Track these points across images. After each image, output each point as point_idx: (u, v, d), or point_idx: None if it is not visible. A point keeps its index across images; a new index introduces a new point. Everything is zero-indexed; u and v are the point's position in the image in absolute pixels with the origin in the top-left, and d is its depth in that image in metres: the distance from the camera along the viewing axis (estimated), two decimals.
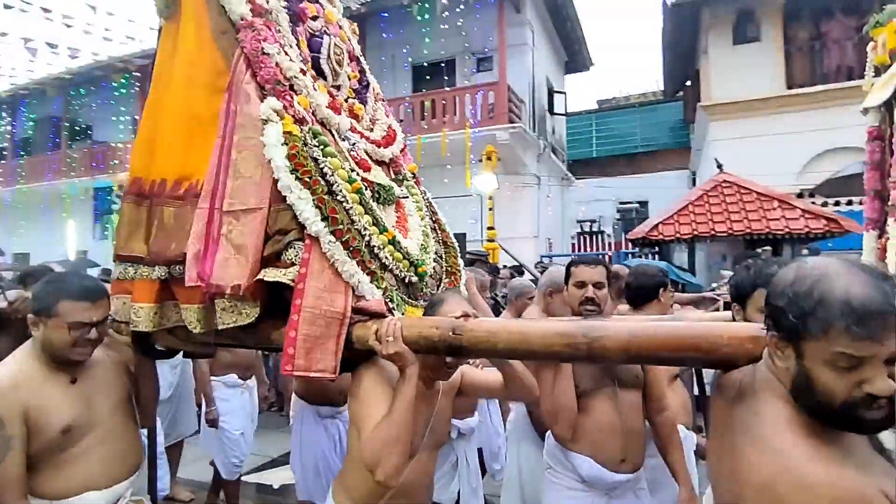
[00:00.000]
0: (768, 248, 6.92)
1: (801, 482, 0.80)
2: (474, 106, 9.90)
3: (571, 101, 14.88)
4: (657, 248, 7.26)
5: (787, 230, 6.04)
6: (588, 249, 11.72)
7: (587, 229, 13.13)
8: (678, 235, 6.45)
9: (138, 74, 12.83)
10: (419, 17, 9.88)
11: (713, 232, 6.31)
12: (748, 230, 6.18)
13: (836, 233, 5.89)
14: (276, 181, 1.54)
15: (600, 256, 10.91)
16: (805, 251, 6.25)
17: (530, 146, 10.85)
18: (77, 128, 15.33)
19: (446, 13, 9.93)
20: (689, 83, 12.49)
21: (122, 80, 13.17)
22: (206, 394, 3.18)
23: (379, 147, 2.06)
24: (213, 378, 3.21)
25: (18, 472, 1.44)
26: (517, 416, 2.74)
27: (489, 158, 9.14)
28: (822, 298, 0.82)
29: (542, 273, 4.97)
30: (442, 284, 1.98)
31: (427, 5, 9.82)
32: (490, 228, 9.09)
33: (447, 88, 10.50)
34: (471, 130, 9.46)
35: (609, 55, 42.60)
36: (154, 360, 1.91)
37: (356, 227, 1.59)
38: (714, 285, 5.73)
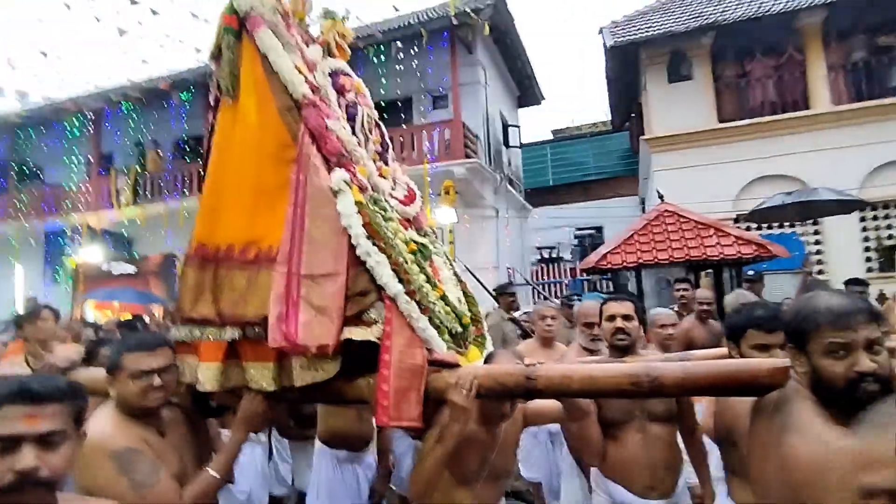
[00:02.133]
0: (710, 270, 7.45)
1: (827, 452, 1.14)
2: (431, 142, 10.26)
3: (526, 132, 15.54)
4: (609, 275, 7.64)
5: (721, 256, 6.50)
6: (547, 276, 12.12)
7: (546, 256, 13.57)
8: (625, 264, 6.83)
9: (91, 116, 12.71)
10: (375, 59, 10.25)
11: (656, 259, 6.72)
12: (687, 257, 6.61)
13: (765, 257, 6.39)
14: (351, 247, 1.69)
15: (558, 283, 11.29)
16: (751, 272, 6.74)
17: (487, 179, 11.26)
18: (26, 169, 14.89)
19: (401, 55, 10.35)
20: (633, 115, 13.27)
21: (75, 122, 13.01)
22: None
23: (405, 206, 2.19)
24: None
25: (174, 486, 1.54)
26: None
27: (447, 193, 9.47)
28: (813, 308, 1.23)
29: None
30: (469, 332, 2.08)
31: (382, 48, 10.22)
32: None
33: (404, 126, 10.84)
34: (428, 166, 9.78)
35: (559, 89, 44.58)
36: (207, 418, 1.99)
37: (418, 285, 1.73)
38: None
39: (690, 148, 9.71)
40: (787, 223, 9.02)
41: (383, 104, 11.38)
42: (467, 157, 10.18)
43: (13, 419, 0.97)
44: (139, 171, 12.12)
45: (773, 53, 9.60)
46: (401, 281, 1.68)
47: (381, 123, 2.42)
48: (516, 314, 5.79)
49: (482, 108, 11.62)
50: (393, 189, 2.23)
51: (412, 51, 10.44)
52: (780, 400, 1.30)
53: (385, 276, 1.66)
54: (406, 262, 1.74)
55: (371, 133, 2.24)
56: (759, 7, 9.22)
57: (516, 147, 14.24)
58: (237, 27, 2.00)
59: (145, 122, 13.07)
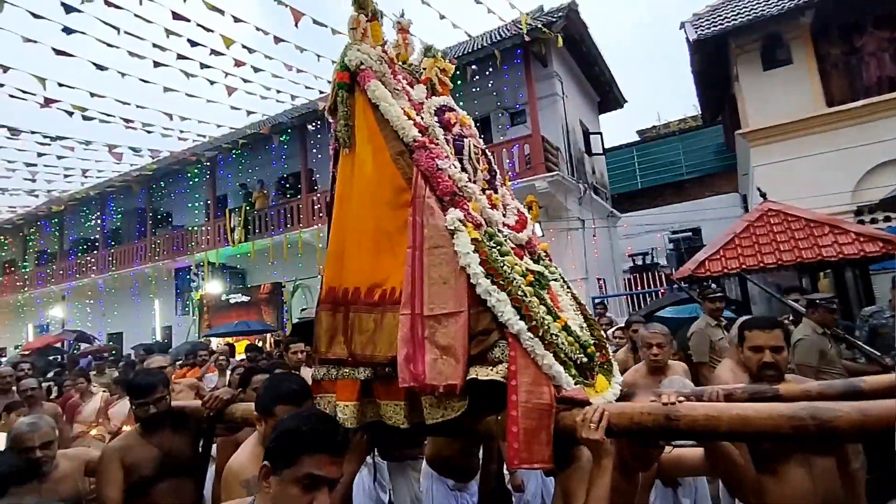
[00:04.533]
0: (828, 270, 6.73)
1: None
2: (511, 159, 10.34)
3: (611, 137, 15.11)
4: (707, 284, 7.18)
5: (840, 255, 5.88)
6: (642, 286, 11.58)
7: (639, 263, 12.99)
8: (726, 270, 6.40)
9: (207, 164, 14.33)
10: (451, 83, 10.58)
11: (762, 264, 6.23)
12: (799, 259, 6.07)
13: (892, 255, 5.68)
14: (471, 285, 1.70)
15: (654, 292, 10.73)
16: None
17: (570, 190, 11.10)
18: (159, 216, 17.08)
19: (476, 76, 10.59)
20: (726, 108, 12.42)
21: (195, 171, 14.74)
22: None
23: (517, 232, 2.18)
24: None
25: None
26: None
27: (530, 208, 9.42)
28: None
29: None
30: (595, 360, 1.97)
31: (458, 72, 10.54)
32: None
33: (484, 145, 11.01)
34: (510, 182, 9.85)
35: (643, 88, 42.62)
36: None
37: (540, 319, 1.69)
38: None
39: (794, 138, 8.90)
40: None
41: None
42: (548, 170, 10.13)
43: (323, 464, 1.20)
44: (248, 209, 13.43)
45: (887, 25, 8.58)
46: (522, 317, 1.64)
47: (486, 151, 2.46)
48: (609, 331, 5.62)
49: (561, 120, 11.52)
50: (504, 216, 2.23)
51: (487, 71, 10.65)
52: None
53: (507, 313, 1.64)
54: (526, 297, 1.71)
55: (479, 163, 2.27)
56: None
57: (599, 154, 13.89)
58: (349, 81, 2.12)
59: (251, 164, 14.52)
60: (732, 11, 9.66)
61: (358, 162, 2.04)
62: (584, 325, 2.06)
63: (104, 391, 5.31)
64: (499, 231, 2.03)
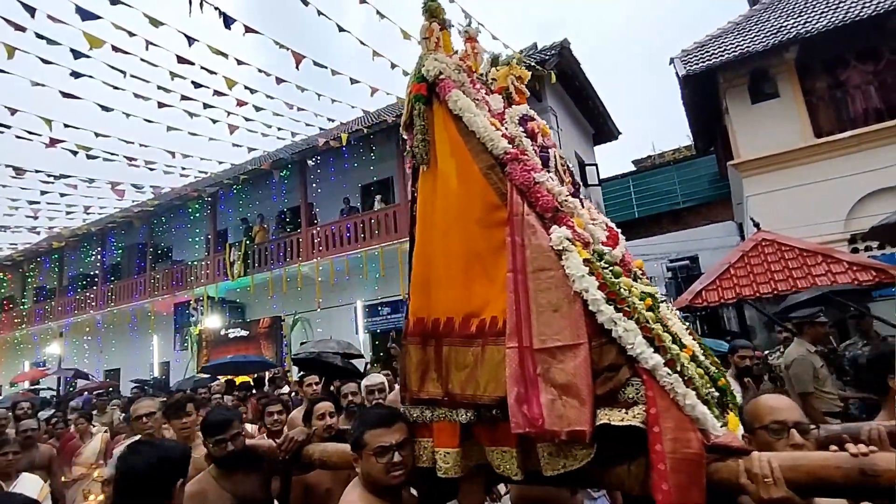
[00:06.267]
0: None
1: None
2: None
3: (606, 168, 15.35)
4: (703, 312, 7.22)
5: (833, 284, 5.95)
6: None
7: None
8: (722, 300, 6.46)
9: (209, 199, 14.50)
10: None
11: (758, 293, 6.29)
12: (794, 288, 6.12)
13: (887, 283, 5.74)
14: (588, 312, 1.46)
15: None
16: (852, 309, 6.00)
17: None
18: (159, 251, 17.15)
19: None
20: (717, 138, 12.68)
21: (196, 206, 14.90)
22: None
23: (612, 249, 1.90)
24: None
25: None
26: None
27: None
28: None
29: None
30: (728, 396, 1.73)
31: None
32: None
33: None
34: None
35: (637, 119, 43.48)
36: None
37: (675, 352, 1.44)
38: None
39: (785, 168, 9.08)
40: None
41: None
42: None
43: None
44: (248, 243, 13.52)
45: (870, 58, 8.87)
46: (656, 350, 1.39)
47: (569, 163, 2.27)
48: None
49: None
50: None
51: None
52: None
53: (638, 345, 1.39)
54: (651, 324, 1.45)
55: (564, 175, 2.09)
56: (846, 14, 8.64)
57: (595, 185, 14.09)
58: (427, 93, 1.97)
59: (251, 199, 14.69)
60: (719, 47, 9.98)
61: (441, 179, 1.87)
62: (703, 352, 1.78)
63: (105, 431, 5.24)
64: (608, 252, 1.76)
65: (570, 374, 1.43)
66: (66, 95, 7.13)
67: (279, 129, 9.56)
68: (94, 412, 6.65)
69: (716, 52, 9.93)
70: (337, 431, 2.33)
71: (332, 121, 10.77)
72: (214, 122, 8.62)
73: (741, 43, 9.69)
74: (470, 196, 1.77)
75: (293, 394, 6.90)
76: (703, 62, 9.80)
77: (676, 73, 10.34)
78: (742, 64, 9.47)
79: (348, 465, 1.77)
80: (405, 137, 2.08)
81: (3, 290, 20.80)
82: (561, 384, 1.43)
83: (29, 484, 3.23)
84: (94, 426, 5.43)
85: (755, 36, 9.64)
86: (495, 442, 1.56)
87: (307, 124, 9.91)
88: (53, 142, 8.00)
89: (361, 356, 8.95)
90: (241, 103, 8.23)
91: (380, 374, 4.16)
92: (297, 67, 7.21)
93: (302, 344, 11.22)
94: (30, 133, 7.67)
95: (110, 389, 11.96)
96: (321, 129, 10.67)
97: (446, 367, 1.70)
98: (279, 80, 7.91)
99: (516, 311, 1.55)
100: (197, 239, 15.98)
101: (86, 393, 11.77)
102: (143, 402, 3.27)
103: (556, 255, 1.55)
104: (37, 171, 9.59)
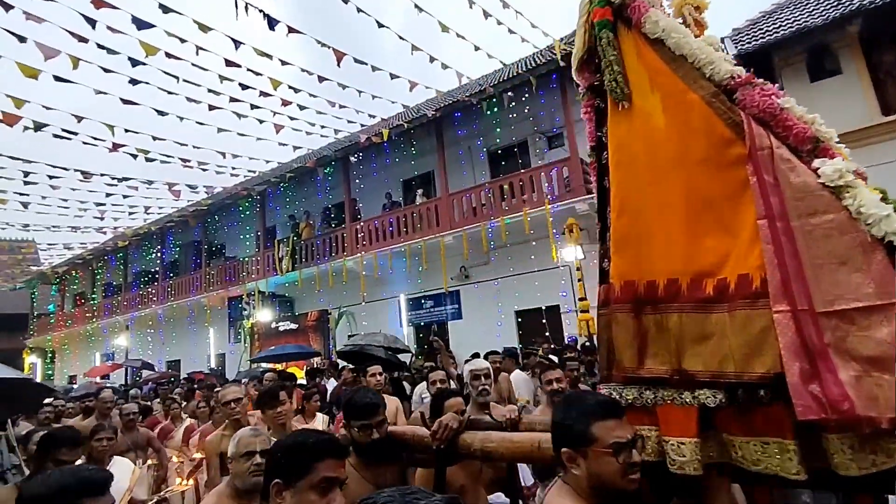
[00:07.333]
0: None
1: None
2: (550, 182, 10.34)
3: None
4: None
5: None
6: None
7: None
8: None
9: (258, 197, 15.06)
10: (488, 111, 10.78)
11: None
12: None
13: None
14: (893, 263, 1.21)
15: None
16: None
17: None
18: (213, 248, 17.99)
19: (513, 103, 10.75)
20: None
21: (246, 204, 15.52)
22: None
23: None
24: None
25: None
26: None
27: (571, 231, 9.41)
28: None
29: None
30: None
31: (494, 100, 10.73)
32: (582, 299, 9.17)
33: (522, 170, 11.09)
34: (550, 206, 9.85)
35: None
36: None
37: None
38: None
39: (851, 149, 8.46)
40: None
41: (500, 151, 11.87)
42: (588, 192, 10.05)
43: (333, 467, 1.32)
44: (295, 239, 13.95)
45: None
46: None
47: None
48: None
49: None
50: None
51: (523, 97, 10.78)
52: None
53: None
54: None
55: None
56: None
57: None
58: (613, 19, 1.71)
59: (298, 196, 15.14)
60: (775, 24, 9.44)
61: (641, 118, 1.61)
62: None
63: (190, 419, 5.57)
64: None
65: (884, 344, 1.16)
66: (125, 102, 7.57)
67: (322, 126, 9.81)
68: (157, 400, 7.08)
69: (771, 28, 9.39)
70: (469, 422, 2.02)
71: (374, 117, 10.96)
72: (261, 122, 8.93)
73: (798, 18, 9.12)
74: (689, 132, 1.50)
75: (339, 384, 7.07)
76: (757, 41, 9.30)
77: (727, 54, 9.86)
78: (800, 40, 8.92)
79: (514, 458, 1.56)
80: (578, 81, 1.84)
81: (76, 287, 22.41)
82: (867, 357, 1.17)
83: (122, 467, 3.22)
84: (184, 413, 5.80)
85: (814, 9, 9.06)
86: (753, 431, 1.29)
87: (349, 121, 10.14)
88: (116, 146, 8.51)
89: (408, 350, 9.11)
90: (285, 103, 8.48)
91: (484, 360, 3.92)
92: (338, 65, 7.36)
93: (350, 336, 11.52)
94: (94, 139, 8.19)
95: (171, 380, 12.67)
96: (362, 125, 10.84)
97: (677, 340, 1.43)
98: (321, 79, 8.10)
99: (779, 266, 1.28)
100: (248, 236, 16.64)
101: (150, 383, 12.55)
102: (231, 388, 3.34)
103: (831, 195, 1.28)
104: (102, 175, 10.28)
